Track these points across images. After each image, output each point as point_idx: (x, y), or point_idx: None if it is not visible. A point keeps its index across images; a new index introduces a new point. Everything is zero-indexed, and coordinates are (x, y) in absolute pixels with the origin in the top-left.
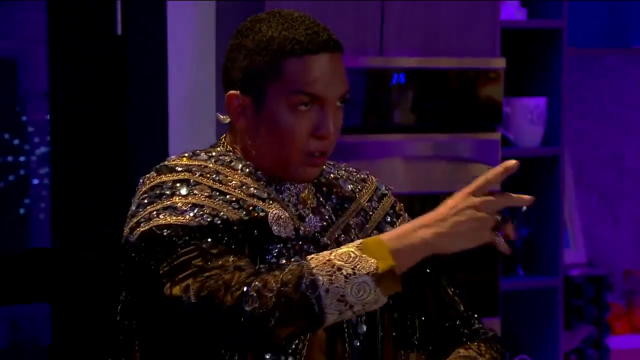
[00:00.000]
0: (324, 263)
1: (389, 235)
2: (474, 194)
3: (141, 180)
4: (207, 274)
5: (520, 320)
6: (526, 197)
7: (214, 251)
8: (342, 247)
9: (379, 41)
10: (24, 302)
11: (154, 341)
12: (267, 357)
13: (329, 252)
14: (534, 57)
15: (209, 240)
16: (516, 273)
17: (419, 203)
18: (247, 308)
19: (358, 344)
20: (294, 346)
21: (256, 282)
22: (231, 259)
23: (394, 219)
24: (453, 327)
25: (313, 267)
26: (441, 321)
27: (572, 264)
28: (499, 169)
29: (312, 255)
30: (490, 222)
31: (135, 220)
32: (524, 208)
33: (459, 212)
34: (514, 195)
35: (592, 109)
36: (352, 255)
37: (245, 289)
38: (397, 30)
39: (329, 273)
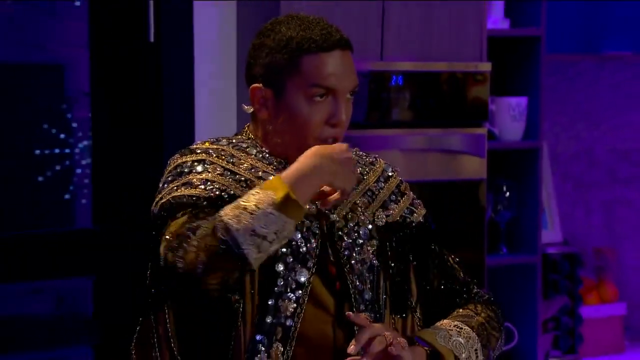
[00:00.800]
0: (232, 208)
1: (287, 169)
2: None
3: (168, 162)
4: (179, 234)
5: (504, 292)
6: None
7: (200, 215)
8: (248, 191)
9: (379, 48)
10: (69, 276)
11: (177, 303)
12: (268, 320)
13: (240, 198)
14: (517, 61)
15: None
16: (500, 251)
17: (415, 189)
18: (179, 264)
19: (363, 308)
20: (292, 309)
21: (180, 238)
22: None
23: (399, 197)
24: (453, 291)
25: (223, 215)
26: (443, 286)
27: (549, 243)
28: None
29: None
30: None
31: (159, 195)
32: (507, 194)
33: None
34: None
35: (567, 107)
36: (254, 194)
37: (175, 245)
38: (395, 38)
39: (236, 215)
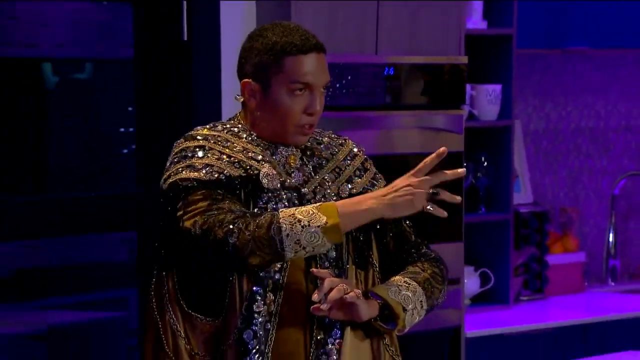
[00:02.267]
0: (289, 215)
1: (343, 201)
2: (415, 175)
3: (174, 144)
4: (209, 213)
5: (483, 243)
6: (459, 170)
7: (217, 197)
8: (307, 205)
9: (374, 43)
10: (117, 230)
11: (181, 265)
12: (261, 274)
13: (294, 208)
14: (494, 54)
15: (216, 190)
16: (479, 210)
17: (404, 161)
18: (230, 241)
19: (327, 265)
20: (279, 265)
21: (239, 223)
22: (227, 203)
23: (362, 173)
24: (406, 251)
25: (280, 218)
26: (398, 247)
27: (521, 204)
28: (433, 155)
29: (283, 209)
30: (421, 196)
31: (167, 173)
32: (485, 163)
33: (398, 189)
34: (448, 172)
35: (538, 93)
36: (311, 212)
37: (231, 226)
38: (388, 36)
39: (291, 223)
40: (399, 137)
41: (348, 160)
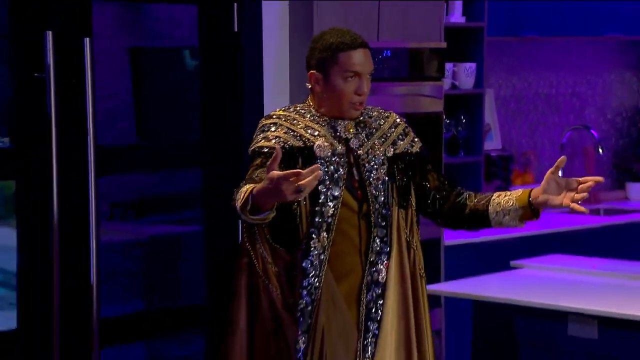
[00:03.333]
0: (239, 194)
1: (257, 189)
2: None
3: (260, 121)
4: (246, 178)
5: (461, 179)
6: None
7: (258, 165)
8: (244, 188)
9: (376, 32)
10: (190, 167)
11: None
12: (317, 219)
13: (253, 187)
14: (472, 41)
15: (268, 159)
16: (459, 154)
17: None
18: (232, 204)
19: (378, 206)
20: (331, 212)
21: (235, 193)
22: (257, 172)
23: (403, 137)
24: (446, 189)
25: (236, 195)
26: (441, 187)
27: (492, 149)
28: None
29: (250, 185)
30: (289, 189)
31: (252, 142)
32: (464, 120)
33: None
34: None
35: (506, 68)
36: (243, 194)
37: (234, 194)
38: (387, 26)
39: (234, 199)
40: (396, 101)
41: (392, 128)
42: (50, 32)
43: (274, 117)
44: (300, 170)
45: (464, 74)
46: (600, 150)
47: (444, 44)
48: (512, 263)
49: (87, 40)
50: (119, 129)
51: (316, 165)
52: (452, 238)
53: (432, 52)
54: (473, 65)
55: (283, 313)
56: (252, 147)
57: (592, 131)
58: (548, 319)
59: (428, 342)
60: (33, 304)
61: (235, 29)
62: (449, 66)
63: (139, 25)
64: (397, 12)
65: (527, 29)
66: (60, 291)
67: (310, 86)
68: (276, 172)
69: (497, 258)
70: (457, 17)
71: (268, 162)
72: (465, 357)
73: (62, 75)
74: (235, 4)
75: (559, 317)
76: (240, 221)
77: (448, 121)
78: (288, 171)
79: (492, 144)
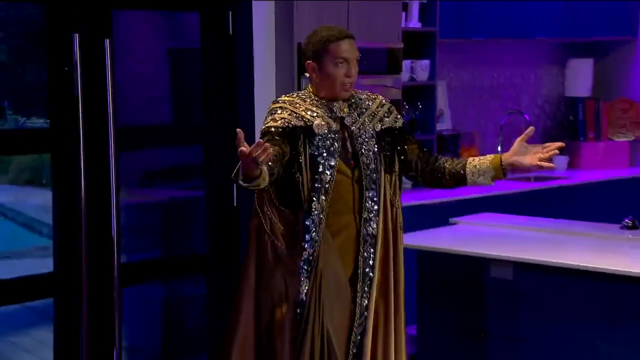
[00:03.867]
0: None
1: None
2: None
3: (269, 105)
4: None
5: None
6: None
7: (275, 137)
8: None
9: None
10: (194, 143)
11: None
12: (316, 185)
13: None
14: (427, 42)
15: (275, 136)
16: (416, 133)
17: None
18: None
19: (368, 172)
20: (328, 179)
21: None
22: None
23: (389, 114)
24: (426, 156)
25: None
26: (421, 154)
27: (445, 129)
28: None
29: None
30: (245, 162)
31: (263, 123)
32: (420, 106)
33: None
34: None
35: (456, 64)
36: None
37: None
38: (355, 28)
39: (237, 168)
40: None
41: (379, 108)
42: (77, 34)
43: (280, 102)
44: (247, 148)
45: (420, 69)
46: (526, 126)
47: (401, 45)
48: (450, 220)
49: (107, 41)
50: (160, 113)
51: (260, 141)
52: (404, 201)
53: (391, 52)
54: (427, 62)
55: (288, 263)
56: (263, 127)
57: (525, 115)
58: (475, 264)
59: (402, 285)
60: (66, 252)
61: (230, 32)
62: (407, 62)
63: (174, 31)
64: (364, 19)
65: (474, 32)
66: (88, 242)
67: (308, 75)
68: (241, 150)
69: (440, 216)
70: (414, 22)
71: (264, 140)
72: (412, 297)
73: (87, 69)
74: (230, 11)
75: (483, 262)
76: (234, 187)
77: (407, 107)
78: (245, 149)
79: (445, 125)
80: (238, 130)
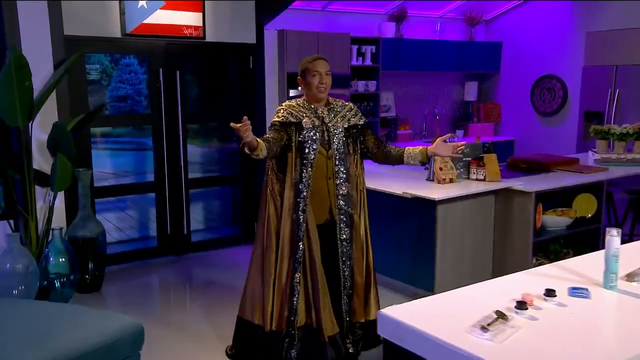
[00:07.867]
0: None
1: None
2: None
3: (277, 107)
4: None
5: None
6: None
7: (272, 129)
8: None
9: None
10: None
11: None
12: (304, 156)
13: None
14: (373, 73)
15: (278, 126)
16: (369, 118)
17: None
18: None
19: (338, 155)
20: (313, 155)
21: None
22: (271, 132)
23: (355, 115)
24: (379, 145)
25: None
26: (376, 143)
27: (389, 115)
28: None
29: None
30: (238, 135)
31: (273, 119)
32: (371, 104)
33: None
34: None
35: (395, 84)
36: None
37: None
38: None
39: (243, 144)
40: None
41: (348, 111)
42: (161, 69)
43: (284, 105)
44: (235, 125)
45: (371, 86)
46: (437, 117)
47: (348, 73)
48: None
49: (177, 72)
50: (215, 111)
51: (244, 118)
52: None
53: (343, 77)
54: (374, 82)
55: (285, 212)
56: (271, 122)
57: (436, 110)
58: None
59: (369, 235)
60: (158, 174)
61: (251, 67)
62: (363, 82)
63: (222, 67)
64: (328, 48)
65: (403, 65)
66: (168, 167)
67: (300, 87)
68: (231, 124)
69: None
70: (367, 61)
71: (271, 129)
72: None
73: (168, 86)
74: (251, 57)
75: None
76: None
77: (365, 104)
78: (236, 124)
79: (390, 113)
80: (244, 117)
